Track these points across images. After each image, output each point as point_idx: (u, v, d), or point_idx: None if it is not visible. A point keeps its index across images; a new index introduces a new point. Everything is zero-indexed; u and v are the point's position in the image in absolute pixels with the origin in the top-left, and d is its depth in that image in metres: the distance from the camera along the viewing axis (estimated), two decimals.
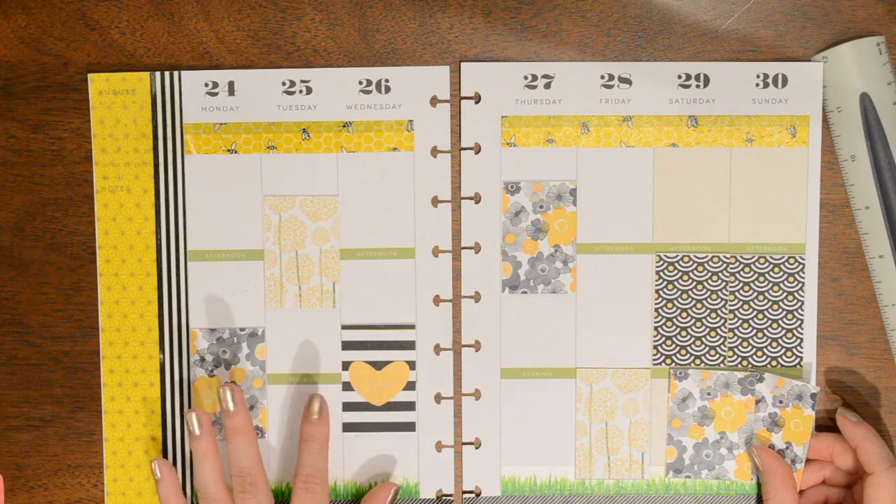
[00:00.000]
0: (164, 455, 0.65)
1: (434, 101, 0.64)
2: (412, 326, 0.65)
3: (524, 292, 0.65)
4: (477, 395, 0.65)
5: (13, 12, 0.64)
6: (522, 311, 0.65)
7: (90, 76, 0.64)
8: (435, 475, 0.65)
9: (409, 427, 0.65)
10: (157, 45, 0.64)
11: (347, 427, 0.65)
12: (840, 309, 0.65)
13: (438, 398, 0.65)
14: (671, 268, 0.64)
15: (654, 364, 0.65)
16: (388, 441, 0.65)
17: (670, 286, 0.64)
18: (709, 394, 0.64)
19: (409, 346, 0.65)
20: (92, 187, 0.65)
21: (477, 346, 0.65)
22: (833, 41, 0.64)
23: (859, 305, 0.65)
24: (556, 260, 0.64)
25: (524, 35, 0.64)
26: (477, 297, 0.65)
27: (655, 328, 0.64)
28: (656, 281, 0.64)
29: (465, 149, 0.64)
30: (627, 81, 0.64)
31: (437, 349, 0.65)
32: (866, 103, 0.62)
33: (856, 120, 0.62)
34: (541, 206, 0.64)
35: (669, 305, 0.64)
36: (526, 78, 0.64)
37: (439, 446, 0.65)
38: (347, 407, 0.65)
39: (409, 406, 0.65)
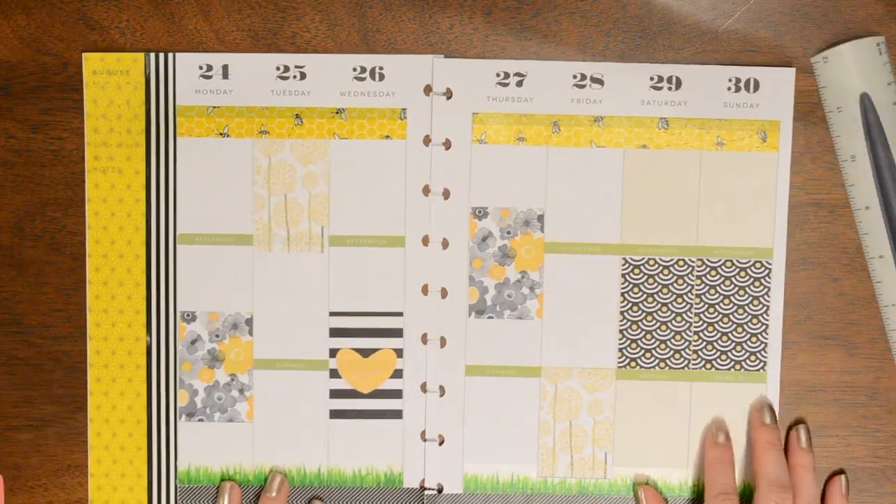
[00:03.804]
0: (149, 455, 0.65)
1: (428, 89, 0.64)
2: (400, 314, 0.65)
3: (490, 317, 0.65)
4: (441, 391, 0.65)
5: (13, 12, 0.64)
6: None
7: (84, 55, 0.64)
8: (420, 464, 0.65)
9: (396, 415, 0.65)
10: (158, 45, 0.64)
11: (334, 414, 0.65)
12: (840, 309, 0.65)
13: (424, 387, 0.65)
14: (637, 270, 0.64)
15: (619, 367, 0.65)
16: (375, 429, 0.65)
17: (636, 289, 0.64)
18: (508, 232, 0.64)
19: (397, 333, 0.65)
20: None
21: (442, 342, 0.65)
22: (833, 41, 0.64)
23: (859, 305, 0.65)
24: (523, 286, 0.64)
25: (524, 35, 0.64)
26: (444, 293, 0.65)
27: (621, 331, 0.65)
28: (622, 284, 0.64)
29: (435, 145, 0.64)
30: (599, 82, 0.64)
31: (425, 338, 0.65)
32: (866, 103, 0.62)
33: (856, 120, 0.62)
34: (508, 232, 0.64)
35: (635, 309, 0.65)
36: (498, 75, 0.64)
37: (424, 436, 0.65)
38: (334, 394, 0.65)
39: (396, 394, 0.65)
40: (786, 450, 0.64)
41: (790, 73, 0.64)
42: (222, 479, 0.65)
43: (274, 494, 0.64)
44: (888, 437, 0.65)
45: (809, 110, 0.64)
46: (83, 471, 0.66)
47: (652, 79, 0.64)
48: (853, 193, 0.64)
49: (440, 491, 0.65)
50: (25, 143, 0.65)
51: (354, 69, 0.64)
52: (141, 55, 0.64)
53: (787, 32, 0.64)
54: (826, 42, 0.64)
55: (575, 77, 0.64)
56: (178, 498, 0.65)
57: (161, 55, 0.64)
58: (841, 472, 0.65)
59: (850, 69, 0.63)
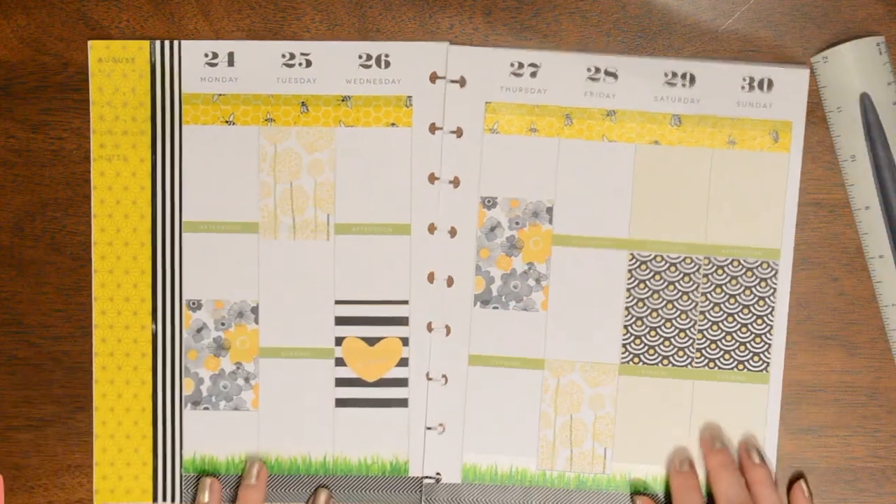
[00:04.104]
0: (154, 444, 0.65)
1: (433, 77, 0.64)
2: (406, 302, 0.65)
3: (495, 308, 0.65)
4: (444, 380, 0.65)
5: (13, 12, 0.64)
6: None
7: (90, 42, 0.64)
8: (425, 453, 0.65)
9: (402, 403, 0.65)
10: None
11: (339, 403, 0.65)
12: (840, 309, 0.65)
13: (429, 377, 0.65)
14: (644, 267, 0.64)
15: (622, 363, 0.65)
16: (380, 417, 0.65)
17: (642, 285, 0.64)
18: (517, 223, 0.64)
19: (403, 322, 0.65)
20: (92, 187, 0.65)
21: (447, 330, 0.65)
22: (833, 41, 0.64)
23: (859, 305, 0.65)
24: (530, 278, 0.65)
25: (524, 35, 0.64)
26: (450, 282, 0.65)
27: (625, 327, 0.65)
28: (628, 280, 0.64)
29: (447, 133, 0.64)
30: (613, 76, 0.64)
31: (430, 326, 0.65)
32: (866, 103, 0.62)
33: (856, 120, 0.62)
34: (516, 223, 0.64)
35: (640, 305, 0.64)
36: (512, 65, 0.64)
37: (426, 424, 0.65)
38: (340, 382, 0.65)
39: (402, 383, 0.65)
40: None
41: (804, 73, 0.64)
42: (200, 475, 0.65)
43: (253, 482, 0.64)
44: (888, 437, 0.65)
45: (809, 110, 0.64)
46: (83, 471, 0.66)
47: (666, 75, 0.64)
48: (853, 193, 0.64)
49: (438, 480, 0.65)
50: (25, 143, 0.65)
51: (360, 56, 0.64)
52: (146, 43, 0.64)
53: (787, 32, 0.64)
54: (826, 42, 0.64)
55: (589, 70, 0.64)
56: (184, 486, 0.65)
57: (166, 43, 0.64)
58: (800, 476, 0.65)
59: (850, 69, 0.63)
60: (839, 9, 0.64)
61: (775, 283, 0.64)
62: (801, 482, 0.64)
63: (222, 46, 0.64)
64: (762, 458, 0.63)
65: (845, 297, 0.65)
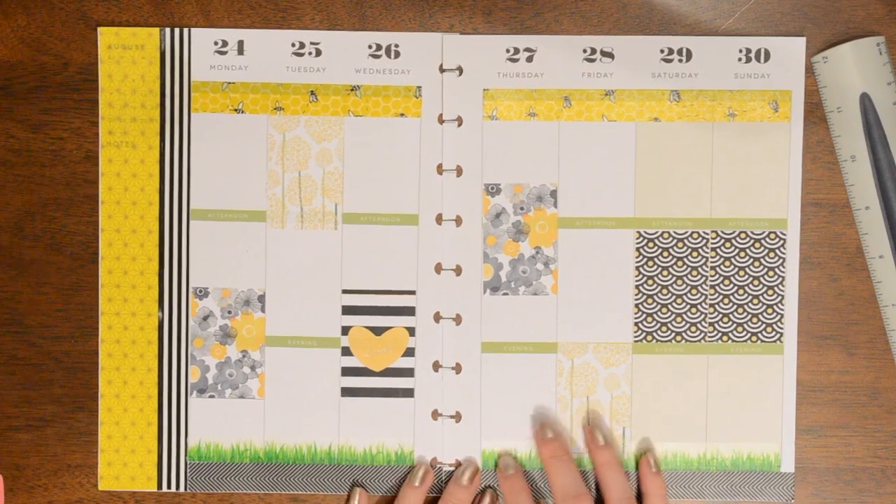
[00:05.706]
0: (159, 431, 0.65)
1: (443, 68, 0.64)
2: (413, 292, 0.65)
3: (505, 294, 0.65)
4: (458, 368, 0.65)
5: (13, 12, 0.64)
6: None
7: (100, 29, 0.64)
8: (429, 442, 0.65)
9: (408, 393, 0.65)
10: None
11: (345, 392, 0.65)
12: (840, 309, 0.65)
13: (436, 366, 0.65)
14: (651, 244, 0.64)
15: (636, 341, 0.65)
16: (386, 407, 0.65)
17: (650, 263, 0.65)
18: (522, 208, 0.64)
19: (410, 311, 0.65)
20: (94, 187, 0.65)
21: (458, 319, 0.65)
22: (833, 41, 0.64)
23: (859, 305, 0.65)
24: (538, 262, 0.65)
25: (524, 35, 0.64)
26: (458, 271, 0.65)
27: (636, 305, 0.65)
28: (636, 258, 0.65)
29: (448, 121, 0.64)
30: (610, 55, 0.64)
31: (437, 316, 0.65)
32: (866, 103, 0.62)
33: (856, 120, 0.62)
34: (521, 208, 0.64)
35: (650, 282, 0.65)
36: (508, 51, 0.64)
37: (435, 414, 0.65)
38: (346, 372, 0.65)
39: (408, 372, 0.65)
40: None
41: (801, 42, 0.64)
42: (353, 486, 0.65)
43: (417, 484, 0.63)
44: (888, 437, 0.65)
45: (809, 110, 0.64)
46: (83, 470, 0.66)
47: (662, 51, 0.64)
48: (853, 193, 0.64)
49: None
50: (25, 143, 0.65)
51: (370, 46, 0.64)
52: (156, 30, 0.64)
53: (787, 32, 0.64)
54: (826, 42, 0.64)
55: (585, 51, 0.64)
56: (189, 474, 0.65)
57: (176, 30, 0.64)
58: (647, 449, 0.65)
59: (850, 69, 0.63)
60: (839, 9, 0.64)
61: (784, 253, 0.64)
62: (648, 454, 0.64)
63: (232, 35, 0.64)
64: (606, 440, 0.63)
65: (845, 297, 0.65)
